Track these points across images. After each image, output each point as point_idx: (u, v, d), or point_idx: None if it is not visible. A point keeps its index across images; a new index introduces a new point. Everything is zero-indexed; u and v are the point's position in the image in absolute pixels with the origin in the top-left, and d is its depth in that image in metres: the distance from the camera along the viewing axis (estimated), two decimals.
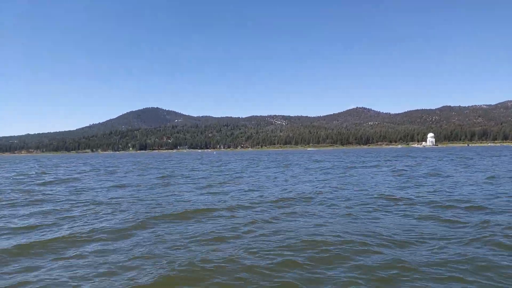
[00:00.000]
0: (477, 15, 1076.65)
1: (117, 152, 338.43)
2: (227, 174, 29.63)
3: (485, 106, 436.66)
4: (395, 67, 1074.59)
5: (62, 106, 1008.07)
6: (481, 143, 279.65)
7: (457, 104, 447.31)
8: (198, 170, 36.11)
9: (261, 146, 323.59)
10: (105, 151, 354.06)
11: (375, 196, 15.01)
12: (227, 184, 21.65)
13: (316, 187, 18.67)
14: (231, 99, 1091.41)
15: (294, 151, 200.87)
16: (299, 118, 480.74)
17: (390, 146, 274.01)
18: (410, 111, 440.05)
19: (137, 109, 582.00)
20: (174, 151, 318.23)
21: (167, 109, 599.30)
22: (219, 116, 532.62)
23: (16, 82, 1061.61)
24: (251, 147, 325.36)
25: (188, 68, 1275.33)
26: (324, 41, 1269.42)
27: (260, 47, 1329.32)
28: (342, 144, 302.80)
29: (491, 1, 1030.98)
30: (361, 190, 17.02)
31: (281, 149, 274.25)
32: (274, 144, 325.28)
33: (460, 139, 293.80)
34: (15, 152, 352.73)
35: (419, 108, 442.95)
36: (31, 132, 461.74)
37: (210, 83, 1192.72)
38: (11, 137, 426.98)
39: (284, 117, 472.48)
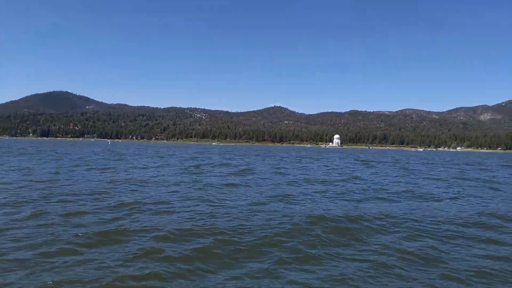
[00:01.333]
0: (391, 18, 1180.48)
1: (15, 137, 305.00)
2: None
3: (387, 112, 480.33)
4: (315, 69, 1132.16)
5: None
6: (381, 146, 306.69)
7: (363, 109, 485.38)
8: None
9: (177, 139, 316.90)
10: (1, 136, 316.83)
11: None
12: None
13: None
14: (151, 88, 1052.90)
15: (193, 144, 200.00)
16: (219, 112, 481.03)
17: (301, 145, 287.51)
18: (323, 112, 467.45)
19: (44, 92, 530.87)
20: (81, 139, 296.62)
21: (78, 94, 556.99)
22: (136, 105, 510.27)
23: None
24: (166, 139, 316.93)
25: (105, 51, 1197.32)
26: (250, 40, 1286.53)
27: (190, 41, 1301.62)
28: (258, 141, 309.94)
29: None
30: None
31: (194, 143, 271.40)
32: (191, 137, 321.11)
33: (363, 142, 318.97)
34: None
35: (330, 111, 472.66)
36: None
37: (129, 69, 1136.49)
38: None
39: (204, 111, 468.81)
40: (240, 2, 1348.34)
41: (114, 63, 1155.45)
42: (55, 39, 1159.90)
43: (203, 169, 29.19)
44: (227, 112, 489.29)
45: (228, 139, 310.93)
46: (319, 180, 22.74)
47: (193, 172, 26.61)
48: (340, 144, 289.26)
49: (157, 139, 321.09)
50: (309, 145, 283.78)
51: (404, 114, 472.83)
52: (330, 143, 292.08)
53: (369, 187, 19.87)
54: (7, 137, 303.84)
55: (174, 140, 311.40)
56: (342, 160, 55.26)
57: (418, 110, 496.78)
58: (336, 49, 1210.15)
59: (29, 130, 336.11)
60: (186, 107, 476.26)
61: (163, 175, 23.31)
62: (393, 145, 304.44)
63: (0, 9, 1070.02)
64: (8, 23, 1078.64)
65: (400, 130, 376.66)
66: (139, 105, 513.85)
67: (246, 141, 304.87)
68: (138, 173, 24.31)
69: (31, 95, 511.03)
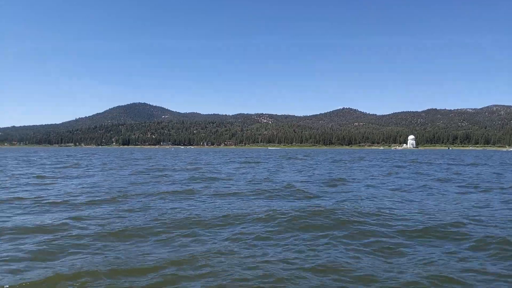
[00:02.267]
0: (471, 17, 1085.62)
1: (99, 146, 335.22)
2: None
3: (470, 110, 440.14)
4: (385, 69, 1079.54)
5: (51, 100, 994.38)
6: (462, 146, 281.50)
7: (443, 107, 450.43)
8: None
9: (244, 144, 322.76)
10: (88, 145, 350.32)
11: None
12: None
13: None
14: (220, 96, 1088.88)
15: (259, 149, 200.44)
16: (286, 117, 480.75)
17: (372, 147, 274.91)
18: (397, 113, 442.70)
19: (125, 103, 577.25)
20: (157, 146, 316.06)
21: (154, 105, 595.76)
22: (207, 113, 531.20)
23: (4, 74, 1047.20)
24: (235, 145, 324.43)
25: (178, 64, 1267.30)
26: (316, 40, 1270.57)
27: (253, 45, 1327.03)
28: (325, 144, 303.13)
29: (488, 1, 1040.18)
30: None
31: (260, 148, 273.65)
32: (258, 142, 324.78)
33: (442, 142, 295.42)
34: None
35: (405, 110, 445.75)
36: (17, 125, 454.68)
37: (201, 80, 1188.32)
38: None
39: (271, 116, 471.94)
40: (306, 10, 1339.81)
41: (187, 75, 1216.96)
42: (134, 55, 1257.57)
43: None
44: (293, 116, 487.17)
45: (294, 143, 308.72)
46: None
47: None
48: (416, 145, 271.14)
49: (226, 144, 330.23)
50: (381, 147, 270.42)
51: (490, 111, 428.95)
52: (404, 145, 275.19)
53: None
54: (93, 146, 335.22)
55: (241, 146, 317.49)
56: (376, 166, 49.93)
57: (508, 106, 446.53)
58: (408, 45, 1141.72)
59: (113, 140, 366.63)
60: (254, 113, 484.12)
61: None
62: (477, 145, 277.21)
63: (93, 28, 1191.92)
64: (96, 42, 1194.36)
65: (485, 128, 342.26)
66: (209, 113, 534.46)
67: (313, 145, 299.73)
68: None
69: (114, 107, 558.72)
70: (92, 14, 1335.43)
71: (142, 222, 9.14)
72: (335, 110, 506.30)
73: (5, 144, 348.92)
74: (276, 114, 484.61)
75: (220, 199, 13.10)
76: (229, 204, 12.10)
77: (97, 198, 13.13)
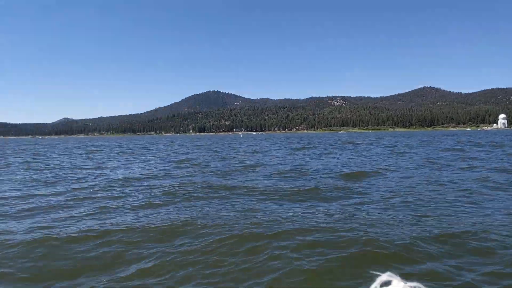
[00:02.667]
0: None
1: (178, 134, 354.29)
2: None
3: None
4: (469, 43, 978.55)
5: (134, 91, 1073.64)
6: None
7: None
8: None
9: (316, 129, 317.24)
10: (167, 133, 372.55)
11: None
12: None
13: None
14: (291, 81, 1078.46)
15: (327, 134, 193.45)
16: (360, 99, 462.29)
17: (457, 129, 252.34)
18: (485, 90, 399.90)
19: (199, 92, 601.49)
20: (230, 133, 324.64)
21: (227, 92, 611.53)
22: (278, 99, 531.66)
23: (95, 71, 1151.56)
24: (306, 130, 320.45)
25: (249, 51, 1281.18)
26: (394, 15, 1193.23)
27: (325, 26, 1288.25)
28: (404, 127, 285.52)
29: None
30: None
31: (332, 132, 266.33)
32: (330, 126, 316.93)
33: None
34: (89, 134, 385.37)
35: (495, 87, 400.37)
36: (104, 116, 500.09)
37: (271, 65, 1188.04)
38: (87, 120, 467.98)
39: (344, 98, 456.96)
40: None
41: (258, 61, 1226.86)
42: (211, 44, 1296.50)
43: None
44: (368, 98, 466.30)
45: (370, 126, 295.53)
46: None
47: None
48: (508, 125, 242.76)
49: (297, 129, 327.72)
50: (468, 128, 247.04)
51: None
52: (494, 125, 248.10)
53: None
54: (172, 134, 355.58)
55: (313, 130, 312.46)
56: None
57: None
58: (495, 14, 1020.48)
59: (189, 127, 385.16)
60: (326, 96, 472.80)
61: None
62: None
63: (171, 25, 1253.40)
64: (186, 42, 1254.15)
65: None
66: (280, 98, 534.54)
67: (391, 127, 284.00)
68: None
69: (189, 96, 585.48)
70: (169, 14, 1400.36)
71: None
72: (415, 89, 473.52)
73: (95, 133, 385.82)
74: (350, 96, 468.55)
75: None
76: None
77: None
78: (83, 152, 40.10)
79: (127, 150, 42.11)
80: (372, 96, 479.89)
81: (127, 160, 26.23)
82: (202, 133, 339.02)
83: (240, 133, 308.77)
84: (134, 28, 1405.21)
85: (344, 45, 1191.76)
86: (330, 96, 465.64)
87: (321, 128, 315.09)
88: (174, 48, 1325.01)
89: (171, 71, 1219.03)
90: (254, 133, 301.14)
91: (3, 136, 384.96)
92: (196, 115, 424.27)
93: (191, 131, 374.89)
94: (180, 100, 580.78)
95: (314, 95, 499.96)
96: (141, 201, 9.93)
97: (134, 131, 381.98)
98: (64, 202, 9.95)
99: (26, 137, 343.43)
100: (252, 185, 12.09)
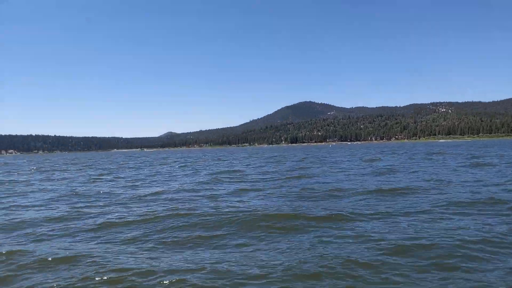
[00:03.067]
0: None
1: (270, 145, 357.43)
2: None
3: None
4: None
5: (229, 105, 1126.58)
6: None
7: None
8: None
9: (419, 137, 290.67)
10: (260, 144, 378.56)
11: None
12: None
13: None
14: (390, 87, 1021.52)
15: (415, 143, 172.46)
16: (470, 104, 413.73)
17: None
18: None
19: (292, 103, 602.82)
20: (323, 143, 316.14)
21: (320, 102, 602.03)
22: (374, 107, 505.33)
23: (193, 89, 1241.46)
24: (407, 139, 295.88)
25: (342, 60, 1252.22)
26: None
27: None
28: None
29: None
30: None
31: (434, 140, 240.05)
32: (435, 134, 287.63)
33: None
34: (189, 146, 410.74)
35: None
36: (203, 129, 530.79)
37: (365, 71, 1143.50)
38: (188, 133, 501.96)
39: (450, 104, 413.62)
40: None
41: (352, 69, 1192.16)
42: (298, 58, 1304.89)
43: None
44: (479, 103, 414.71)
45: (481, 134, 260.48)
46: None
47: None
48: None
49: (397, 138, 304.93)
50: None
51: None
52: None
53: None
54: (265, 145, 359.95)
55: (414, 139, 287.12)
56: None
57: None
58: None
59: (282, 138, 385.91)
60: (428, 102, 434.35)
61: None
62: None
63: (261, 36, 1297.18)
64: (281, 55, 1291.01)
65: None
66: (377, 106, 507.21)
67: (506, 135, 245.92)
68: None
69: (282, 107, 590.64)
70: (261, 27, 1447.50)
71: None
72: None
73: (195, 146, 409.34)
74: (457, 102, 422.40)
75: None
76: None
77: None
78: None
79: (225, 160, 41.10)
80: (482, 100, 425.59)
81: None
82: (294, 144, 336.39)
83: (331, 143, 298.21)
84: (227, 45, 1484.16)
85: (451, 43, 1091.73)
86: (434, 102, 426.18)
87: (423, 137, 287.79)
88: (269, 61, 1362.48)
89: (265, 82, 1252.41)
90: (349, 143, 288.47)
91: (116, 149, 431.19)
92: (288, 126, 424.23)
93: (283, 142, 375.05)
94: (273, 112, 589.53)
95: (415, 102, 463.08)
96: None
97: (229, 143, 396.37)
98: None
99: (136, 149, 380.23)
100: None
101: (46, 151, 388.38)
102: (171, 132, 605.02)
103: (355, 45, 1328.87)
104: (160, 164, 42.94)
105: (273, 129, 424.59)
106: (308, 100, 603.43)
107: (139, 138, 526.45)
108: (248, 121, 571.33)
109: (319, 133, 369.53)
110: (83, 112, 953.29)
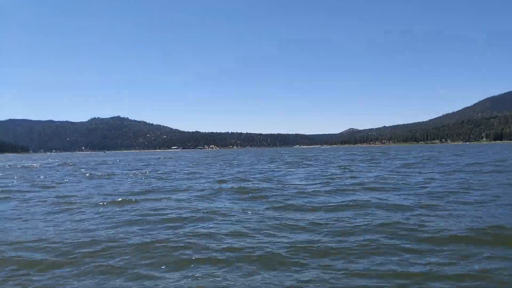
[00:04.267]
0: None
1: (468, 142, 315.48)
2: None
3: None
4: None
5: (419, 99, 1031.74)
6: None
7: None
8: None
9: None
10: (454, 141, 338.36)
11: None
12: None
13: None
14: None
15: None
16: None
17: None
18: None
19: (498, 93, 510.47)
20: None
21: None
22: None
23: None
24: None
25: None
26: None
27: None
28: None
29: None
30: None
31: None
32: None
33: None
34: (370, 143, 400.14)
35: None
36: (387, 125, 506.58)
37: None
38: (370, 129, 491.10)
39: None
40: None
41: None
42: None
43: None
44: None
45: None
46: None
47: None
48: None
49: None
50: None
51: None
52: None
53: None
54: (460, 143, 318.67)
55: None
56: None
57: None
58: None
59: (482, 135, 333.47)
60: None
61: None
62: None
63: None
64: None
65: None
66: None
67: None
68: None
69: (484, 99, 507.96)
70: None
71: None
72: None
73: (376, 143, 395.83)
74: None
75: None
76: None
77: None
78: None
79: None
80: None
81: None
82: (498, 141, 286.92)
83: None
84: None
85: None
86: None
87: None
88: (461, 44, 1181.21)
89: (461, 74, 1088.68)
90: None
91: (298, 145, 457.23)
92: (491, 120, 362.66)
93: (484, 139, 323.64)
94: (472, 104, 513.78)
95: None
96: None
97: (416, 140, 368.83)
98: None
99: (316, 146, 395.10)
100: None
101: (239, 146, 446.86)
102: (352, 128, 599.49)
103: None
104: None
105: (471, 124, 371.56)
106: None
107: (319, 134, 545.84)
108: (440, 115, 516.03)
109: None
110: (269, 112, 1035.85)
